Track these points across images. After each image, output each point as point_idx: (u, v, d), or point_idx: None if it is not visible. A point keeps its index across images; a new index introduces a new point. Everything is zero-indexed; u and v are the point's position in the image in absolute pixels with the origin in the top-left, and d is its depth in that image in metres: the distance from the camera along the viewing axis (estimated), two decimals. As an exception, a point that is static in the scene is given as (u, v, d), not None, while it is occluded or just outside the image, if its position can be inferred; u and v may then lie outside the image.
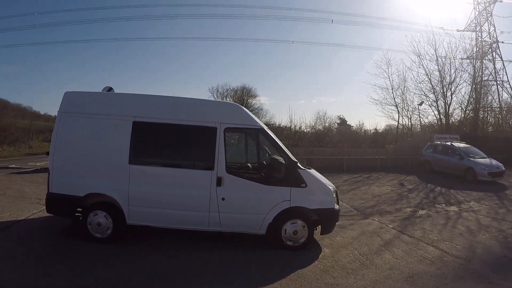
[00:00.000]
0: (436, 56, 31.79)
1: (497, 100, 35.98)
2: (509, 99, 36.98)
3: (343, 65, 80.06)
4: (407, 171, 21.26)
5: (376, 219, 9.77)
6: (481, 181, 17.09)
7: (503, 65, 37.43)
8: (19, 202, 10.05)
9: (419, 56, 32.06)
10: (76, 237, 6.95)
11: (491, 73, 36.78)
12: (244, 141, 9.17)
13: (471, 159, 18.25)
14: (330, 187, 7.15)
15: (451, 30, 36.43)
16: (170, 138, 6.94)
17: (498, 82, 36.52)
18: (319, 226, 7.14)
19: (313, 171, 7.32)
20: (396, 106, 32.69)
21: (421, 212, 10.94)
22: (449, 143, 20.61)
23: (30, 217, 8.53)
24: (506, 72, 37.49)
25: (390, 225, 9.13)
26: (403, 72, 44.32)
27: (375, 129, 35.26)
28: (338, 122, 39.28)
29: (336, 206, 7.17)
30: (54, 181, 6.81)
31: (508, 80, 37.21)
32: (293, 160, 6.92)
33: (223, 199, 6.63)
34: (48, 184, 6.89)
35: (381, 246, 7.39)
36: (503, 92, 36.62)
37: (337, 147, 26.58)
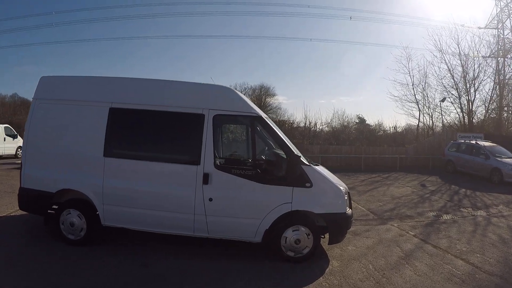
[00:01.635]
0: (459, 50, 30.22)
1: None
2: None
3: (362, 64, 77.84)
4: (428, 172, 20.13)
5: (395, 225, 8.71)
6: (508, 183, 15.77)
7: None
8: (7, 197, 9.53)
9: (440, 51, 30.56)
10: (51, 237, 6.31)
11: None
12: (238, 132, 8.24)
13: (498, 159, 16.87)
14: (341, 188, 6.01)
15: (472, 28, 35.09)
16: (150, 127, 6.04)
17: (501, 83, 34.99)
18: (327, 233, 6.05)
19: (321, 168, 6.31)
20: (417, 103, 31.27)
21: (445, 217, 9.82)
22: (473, 142, 19.21)
23: (11, 214, 7.98)
24: None
25: (411, 232, 8.06)
26: (424, 67, 43.23)
27: (395, 127, 33.83)
28: (357, 121, 37.99)
29: (348, 211, 6.04)
30: (26, 175, 6.13)
31: None
32: (296, 155, 5.79)
33: (210, 199, 5.64)
34: (20, 178, 6.24)
35: (401, 259, 6.33)
36: None
37: (355, 145, 25.45)
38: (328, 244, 6.11)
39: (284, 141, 5.98)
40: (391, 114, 73.01)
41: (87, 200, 5.96)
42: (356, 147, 23.93)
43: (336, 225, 5.91)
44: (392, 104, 60.27)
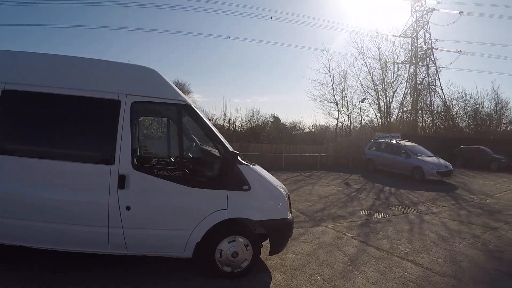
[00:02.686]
0: (379, 54, 32.53)
1: (434, 103, 38.19)
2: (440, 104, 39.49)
3: (280, 64, 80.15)
4: (349, 170, 20.66)
5: (330, 226, 8.15)
6: (429, 181, 16.80)
7: (436, 71, 39.96)
8: None
9: (362, 53, 32.75)
10: None
11: (424, 78, 39.03)
12: (162, 124, 6.98)
13: (419, 158, 17.93)
14: (282, 190, 5.36)
15: (388, 35, 38.53)
16: (51, 115, 4.80)
17: (431, 87, 38.60)
18: (266, 241, 5.29)
19: (258, 168, 5.51)
20: (336, 103, 32.75)
21: (377, 216, 9.62)
22: (394, 141, 20.23)
23: None
24: (439, 78, 40.43)
25: (348, 234, 7.56)
26: (344, 69, 45.87)
27: (314, 126, 34.81)
28: (272, 120, 38.38)
29: (290, 216, 5.36)
30: None
31: (440, 85, 39.98)
32: (232, 151, 4.89)
33: (128, 208, 4.59)
34: None
35: (347, 265, 5.71)
36: (435, 97, 38.99)
37: (274, 143, 25.21)
38: (269, 255, 5.34)
39: (218, 136, 5.10)
40: (310, 114, 75.86)
41: None
42: (277, 146, 23.62)
43: (278, 233, 5.21)
44: (312, 103, 62.67)
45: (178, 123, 4.96)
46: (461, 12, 41.24)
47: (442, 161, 17.97)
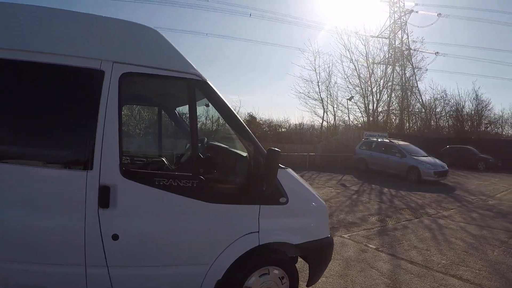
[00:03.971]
0: (366, 52, 32.65)
1: (413, 104, 38.66)
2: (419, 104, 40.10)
3: (262, 62, 79.50)
4: (340, 170, 20.14)
5: (347, 236, 7.38)
6: (425, 181, 16.37)
7: (413, 72, 40.63)
8: None
9: (348, 50, 32.81)
10: None
11: (401, 78, 39.54)
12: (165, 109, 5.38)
13: (414, 157, 17.49)
14: (321, 199, 4.11)
15: (366, 35, 38.93)
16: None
17: (408, 87, 38.99)
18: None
19: (291, 171, 3.96)
20: (322, 100, 32.31)
21: (391, 222, 8.94)
22: (387, 140, 19.85)
23: None
24: (416, 79, 40.88)
25: (371, 245, 6.82)
26: (329, 66, 45.95)
27: (301, 124, 34.40)
28: (248, 119, 37.80)
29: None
30: None
31: (417, 86, 40.56)
32: (274, 150, 3.33)
33: (115, 237, 3.09)
34: None
35: (388, 287, 4.92)
36: (412, 97, 39.55)
37: (261, 142, 24.44)
38: (307, 286, 4.13)
39: (247, 129, 3.66)
40: (297, 113, 75.47)
41: None
42: (263, 144, 22.86)
43: (320, 257, 3.96)
44: (296, 101, 62.54)
45: (191, 107, 3.35)
46: (439, 14, 41.87)
47: (438, 161, 17.67)
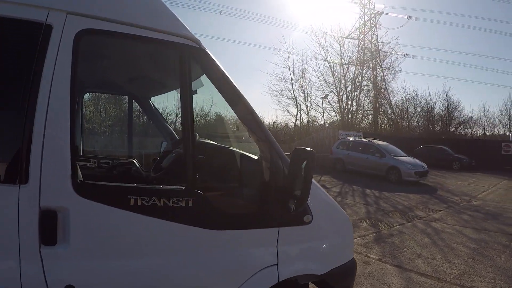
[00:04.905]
0: (341, 51, 32.75)
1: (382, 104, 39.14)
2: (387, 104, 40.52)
3: (230, 59, 79.20)
4: (316, 171, 19.41)
5: (343, 243, 6.75)
6: (406, 182, 16.07)
7: (382, 72, 41.00)
8: None
9: (323, 48, 32.88)
10: None
11: (373, 79, 39.80)
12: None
13: (394, 157, 17.21)
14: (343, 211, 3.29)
15: (336, 36, 39.26)
16: None
17: (378, 88, 39.50)
18: None
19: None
20: (295, 99, 32.01)
21: (383, 227, 8.45)
22: (366, 140, 19.56)
23: None
24: (384, 80, 41.25)
25: (372, 255, 6.26)
26: (303, 64, 45.74)
27: (275, 122, 34.04)
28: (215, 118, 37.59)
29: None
30: None
31: (385, 87, 40.85)
32: (309, 150, 2.35)
33: None
34: None
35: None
36: (380, 97, 40.18)
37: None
38: None
39: (261, 120, 2.67)
40: (270, 112, 75.32)
41: None
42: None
43: (344, 284, 3.06)
44: (268, 99, 62.10)
45: (183, 87, 2.29)
46: (409, 17, 42.52)
47: (418, 161, 17.47)
